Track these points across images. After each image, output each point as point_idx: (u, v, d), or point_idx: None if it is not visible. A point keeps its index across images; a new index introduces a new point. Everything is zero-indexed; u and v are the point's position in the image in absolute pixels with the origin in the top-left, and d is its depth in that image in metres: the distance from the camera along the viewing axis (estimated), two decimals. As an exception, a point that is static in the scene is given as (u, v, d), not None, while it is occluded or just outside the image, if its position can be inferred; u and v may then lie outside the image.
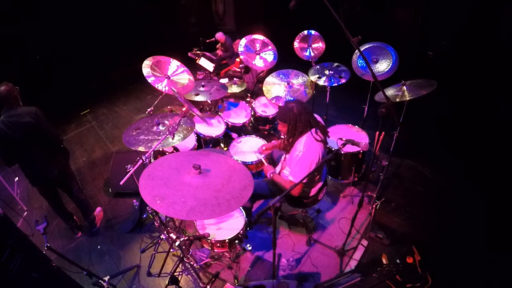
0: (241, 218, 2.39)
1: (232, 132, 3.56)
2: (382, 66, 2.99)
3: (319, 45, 3.67)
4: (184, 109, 2.40)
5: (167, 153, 2.93)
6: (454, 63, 4.98)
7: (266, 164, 2.58)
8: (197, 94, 3.25)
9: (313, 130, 2.13)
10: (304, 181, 2.09)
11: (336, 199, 3.18)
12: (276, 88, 3.37)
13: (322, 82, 3.31)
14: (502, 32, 4.48)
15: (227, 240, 2.21)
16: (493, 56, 4.60)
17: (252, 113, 3.73)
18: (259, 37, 3.53)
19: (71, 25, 5.97)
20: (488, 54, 4.65)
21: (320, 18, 3.14)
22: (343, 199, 3.18)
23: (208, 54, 4.08)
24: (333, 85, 3.29)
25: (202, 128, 3.32)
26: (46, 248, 1.86)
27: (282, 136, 3.44)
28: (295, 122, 2.11)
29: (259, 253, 2.66)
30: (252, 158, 2.91)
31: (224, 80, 3.95)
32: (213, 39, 4.39)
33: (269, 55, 3.53)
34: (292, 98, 3.23)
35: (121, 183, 1.86)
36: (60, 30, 5.80)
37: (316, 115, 2.26)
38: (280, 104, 3.23)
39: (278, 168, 2.46)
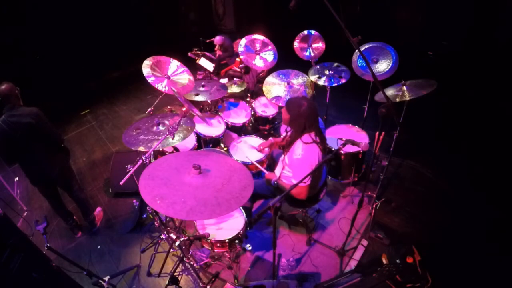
0: (241, 218, 2.39)
1: (232, 132, 3.56)
2: (382, 66, 2.99)
3: (319, 45, 3.67)
4: (184, 109, 2.40)
5: (167, 153, 2.93)
6: (454, 63, 4.98)
7: (265, 171, 2.56)
8: (197, 94, 3.25)
9: (309, 134, 2.12)
10: (308, 182, 2.09)
11: (336, 199, 3.18)
12: (276, 88, 3.37)
13: (322, 82, 3.31)
14: (502, 31, 4.48)
15: (227, 240, 2.21)
16: (493, 56, 4.59)
17: (252, 113, 3.73)
18: (259, 37, 3.53)
19: (71, 25, 5.97)
20: (488, 54, 4.65)
21: (320, 18, 3.14)
22: (343, 199, 3.18)
23: (208, 54, 4.07)
24: (333, 85, 3.29)
25: (202, 128, 3.32)
26: (46, 248, 1.86)
27: (283, 135, 3.46)
28: (295, 118, 2.11)
29: (259, 253, 2.66)
30: (251, 157, 2.90)
31: (224, 80, 3.95)
32: (213, 39, 4.39)
33: (269, 55, 3.53)
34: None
35: (121, 183, 1.86)
36: (60, 30, 5.80)
37: None
38: (289, 97, 3.22)
39: (278, 169, 2.46)
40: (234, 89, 3.83)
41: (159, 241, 2.75)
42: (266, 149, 2.95)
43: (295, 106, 2.12)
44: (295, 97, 2.24)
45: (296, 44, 3.72)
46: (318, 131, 2.17)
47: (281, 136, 3.31)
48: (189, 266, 2.28)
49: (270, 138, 2.81)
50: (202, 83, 3.39)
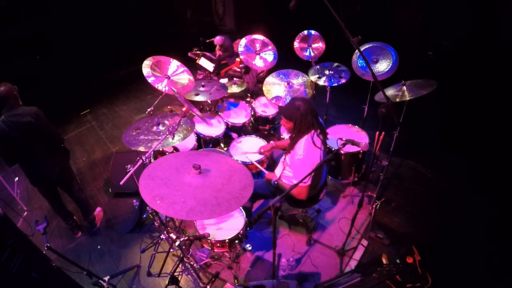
0: (241, 218, 2.39)
1: (232, 132, 3.56)
2: (382, 66, 2.99)
3: (319, 45, 3.67)
4: (184, 109, 2.40)
5: (167, 153, 2.93)
6: (454, 63, 4.98)
7: (265, 171, 2.56)
8: (197, 94, 3.25)
9: (313, 132, 2.12)
10: (308, 183, 2.09)
11: (336, 199, 3.18)
12: (276, 88, 3.37)
13: (322, 82, 3.31)
14: (502, 32, 4.48)
15: (227, 240, 2.21)
16: (493, 56, 4.60)
17: (252, 113, 3.73)
18: (259, 37, 3.53)
19: (71, 25, 5.98)
20: (488, 54, 4.65)
21: (320, 18, 3.14)
22: (343, 199, 3.18)
23: (208, 54, 4.07)
24: (333, 85, 3.29)
25: (202, 128, 3.32)
26: (46, 248, 1.86)
27: (282, 136, 3.46)
28: (300, 122, 2.10)
29: (259, 253, 2.66)
30: (250, 158, 2.89)
31: (224, 80, 3.95)
32: (213, 39, 4.39)
33: (269, 55, 3.53)
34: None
35: (121, 183, 1.86)
36: (60, 30, 5.81)
37: None
38: (289, 97, 3.22)
39: (279, 169, 2.46)
40: (234, 89, 3.83)
41: (159, 241, 2.74)
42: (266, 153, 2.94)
43: (293, 111, 2.10)
44: (286, 105, 2.22)
45: (296, 44, 3.72)
46: (322, 129, 2.18)
47: (282, 138, 3.32)
48: (189, 266, 2.27)
49: (271, 141, 2.79)
50: (202, 83, 3.39)
